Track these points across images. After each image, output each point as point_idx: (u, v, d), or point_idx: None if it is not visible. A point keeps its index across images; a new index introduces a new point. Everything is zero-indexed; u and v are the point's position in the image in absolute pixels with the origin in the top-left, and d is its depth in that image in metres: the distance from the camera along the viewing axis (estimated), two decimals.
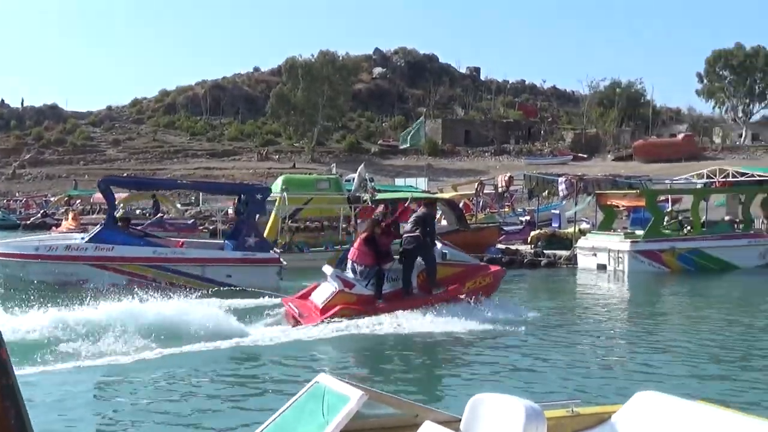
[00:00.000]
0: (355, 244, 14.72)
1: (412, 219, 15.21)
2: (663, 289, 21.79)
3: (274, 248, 21.55)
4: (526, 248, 29.45)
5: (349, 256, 14.59)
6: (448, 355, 12.22)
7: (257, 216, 20.69)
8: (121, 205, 48.36)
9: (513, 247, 29.65)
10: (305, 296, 14.82)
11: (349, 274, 14.39)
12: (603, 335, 14.07)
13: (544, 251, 28.35)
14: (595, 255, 25.42)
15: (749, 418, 4.86)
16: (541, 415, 4.55)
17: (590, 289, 21.25)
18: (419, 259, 14.60)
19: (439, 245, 15.21)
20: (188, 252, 19.25)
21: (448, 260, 15.13)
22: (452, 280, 14.86)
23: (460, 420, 4.78)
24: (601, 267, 25.10)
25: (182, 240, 21.47)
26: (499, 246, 29.81)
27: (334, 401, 4.31)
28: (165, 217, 45.79)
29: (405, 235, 14.72)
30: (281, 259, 20.03)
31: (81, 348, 10.85)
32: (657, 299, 20.11)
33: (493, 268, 16.23)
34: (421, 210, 15.34)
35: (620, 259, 24.64)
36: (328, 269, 14.57)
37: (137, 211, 51.61)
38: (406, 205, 18.70)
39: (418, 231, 14.55)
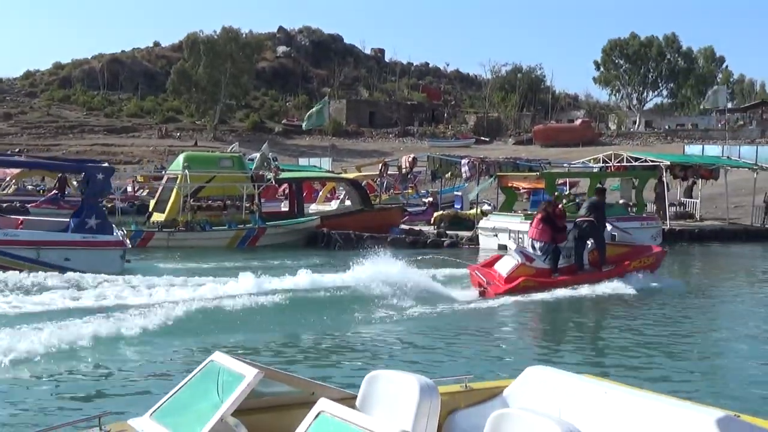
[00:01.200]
0: (533, 224, 16.72)
1: (585, 205, 17.53)
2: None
3: (120, 229, 20.41)
4: (429, 229, 29.73)
5: (528, 234, 16.77)
6: (346, 336, 12.21)
7: (100, 196, 19.79)
8: (14, 181, 46.64)
9: (416, 228, 29.89)
10: (489, 265, 16.51)
11: (529, 250, 16.51)
12: (500, 313, 14.34)
13: (447, 232, 28.69)
14: (497, 236, 25.85)
15: (631, 389, 5.11)
16: (434, 390, 4.59)
17: None
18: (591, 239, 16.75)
19: (609, 227, 17.37)
20: (21, 234, 18.09)
21: (617, 241, 17.39)
22: (620, 258, 17.07)
23: (355, 397, 4.78)
24: (502, 247, 25.50)
25: (22, 218, 20.32)
26: (403, 227, 30.02)
27: (229, 380, 4.23)
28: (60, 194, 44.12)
29: (579, 219, 16.85)
30: (126, 242, 19.28)
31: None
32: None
33: (656, 248, 18.28)
34: (594, 198, 17.81)
35: (520, 240, 25.11)
36: (512, 244, 16.41)
37: (29, 187, 49.74)
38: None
39: (592, 216, 16.63)
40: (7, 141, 74.84)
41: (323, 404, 3.69)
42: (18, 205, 42.48)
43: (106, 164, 22.12)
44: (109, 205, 41.01)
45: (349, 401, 4.38)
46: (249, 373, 4.16)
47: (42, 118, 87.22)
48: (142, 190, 47.55)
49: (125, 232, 20.36)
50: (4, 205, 42.49)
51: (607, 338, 12.70)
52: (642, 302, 15.59)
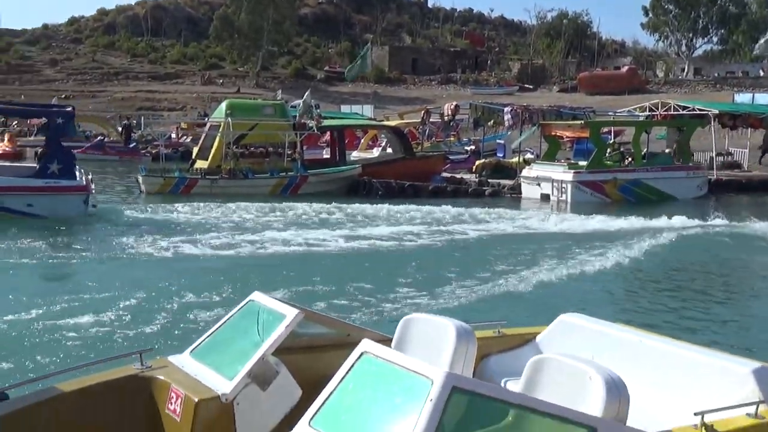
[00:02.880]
0: None
1: None
2: (603, 218, 22.09)
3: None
4: (470, 177, 29.60)
5: None
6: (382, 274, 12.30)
7: (60, 140, 19.30)
8: None
9: (458, 176, 29.79)
10: None
11: None
12: (539, 261, 14.31)
13: (489, 180, 28.56)
14: (539, 185, 25.68)
15: (666, 339, 5.10)
16: (471, 334, 4.62)
17: (532, 219, 21.51)
18: None
19: None
20: None
21: None
22: None
23: (391, 339, 4.82)
24: (545, 197, 25.39)
25: None
26: (444, 175, 29.94)
27: (269, 319, 4.28)
28: (106, 140, 44.81)
29: None
30: (90, 187, 19.10)
31: None
32: (596, 228, 20.41)
33: None
34: None
35: (563, 190, 24.92)
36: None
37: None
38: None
39: None
40: (54, 87, 75.72)
41: (366, 345, 3.70)
42: None
43: (69, 108, 21.90)
44: (154, 152, 41.63)
45: (384, 344, 4.42)
46: (290, 313, 4.21)
47: (87, 64, 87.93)
48: (186, 137, 47.93)
49: (90, 176, 20.02)
50: None
51: None
52: None
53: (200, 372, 4.19)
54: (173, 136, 48.78)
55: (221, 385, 4.02)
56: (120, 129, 47.93)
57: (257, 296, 4.50)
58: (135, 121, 57.86)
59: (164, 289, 10.68)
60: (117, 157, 41.39)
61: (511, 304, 10.65)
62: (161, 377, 4.19)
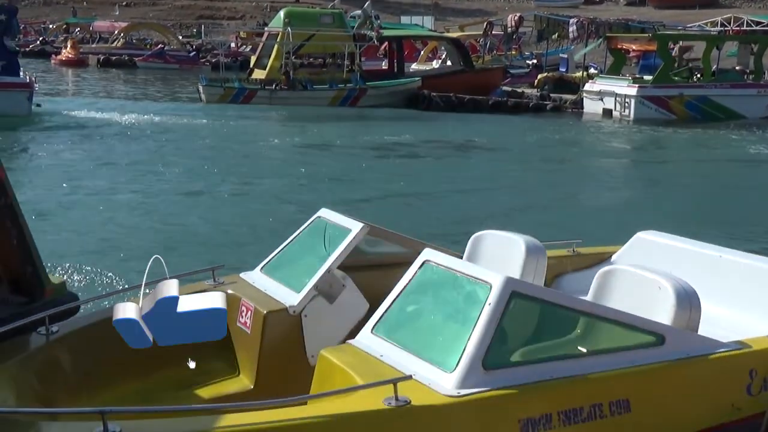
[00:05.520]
0: None
1: None
2: (669, 134, 21.61)
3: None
4: (532, 92, 29.08)
5: None
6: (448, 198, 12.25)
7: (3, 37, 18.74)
8: (122, 34, 47.63)
9: (519, 90, 29.28)
10: None
11: None
12: (608, 178, 14.10)
13: (551, 95, 28.02)
14: (602, 100, 25.12)
15: (745, 253, 4.99)
16: (541, 249, 4.60)
17: (596, 134, 21.15)
18: None
19: None
20: None
21: None
22: None
23: (461, 256, 4.81)
24: (607, 112, 24.86)
25: None
26: (504, 89, 29.46)
27: (336, 233, 4.31)
28: (166, 48, 44.99)
29: None
30: (33, 84, 18.71)
31: None
32: (662, 144, 20.00)
33: None
34: None
35: (627, 104, 24.35)
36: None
37: (134, 41, 50.62)
38: None
39: None
40: None
41: (428, 254, 3.73)
42: (126, 58, 43.59)
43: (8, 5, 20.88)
44: (214, 60, 41.71)
45: None
46: (355, 227, 4.22)
47: None
48: (245, 46, 47.89)
49: (35, 76, 19.46)
50: (113, 58, 43.71)
51: None
52: None
53: (269, 287, 4.25)
54: (232, 45, 48.75)
55: (289, 298, 4.07)
56: (181, 37, 48.00)
57: (324, 212, 4.52)
58: (195, 30, 57.83)
59: (231, 206, 10.80)
60: (177, 66, 41.64)
61: (587, 221, 10.49)
62: (231, 292, 4.25)
